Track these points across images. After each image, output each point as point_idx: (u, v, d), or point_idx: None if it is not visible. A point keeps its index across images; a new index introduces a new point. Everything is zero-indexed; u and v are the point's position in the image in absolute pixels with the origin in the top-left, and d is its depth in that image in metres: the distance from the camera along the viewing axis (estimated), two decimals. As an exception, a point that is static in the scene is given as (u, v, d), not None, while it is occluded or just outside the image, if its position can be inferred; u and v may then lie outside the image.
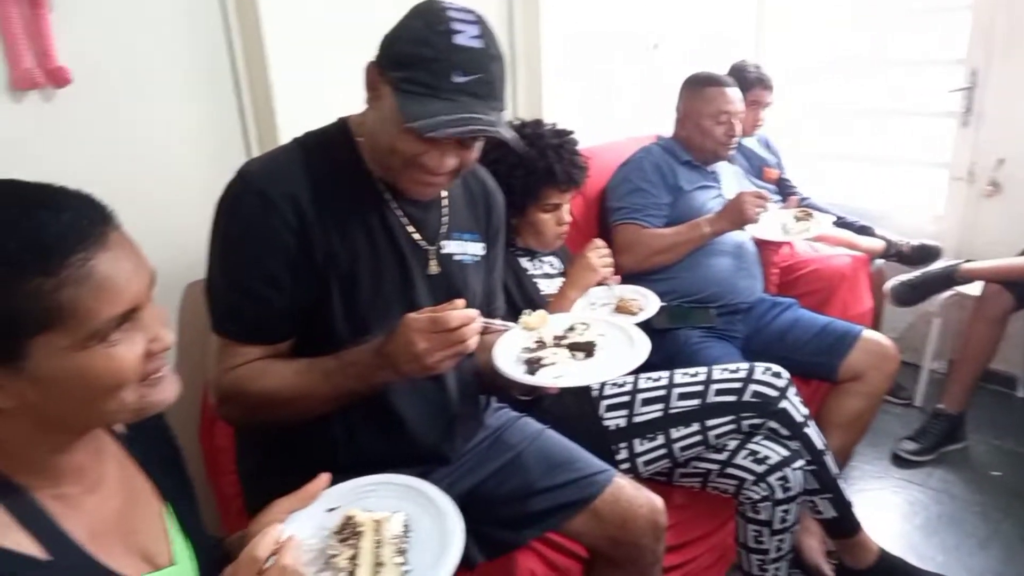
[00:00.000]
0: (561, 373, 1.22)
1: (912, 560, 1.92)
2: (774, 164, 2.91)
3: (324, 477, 0.92)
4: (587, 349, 1.28)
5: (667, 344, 2.07)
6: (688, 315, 2.12)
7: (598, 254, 1.79)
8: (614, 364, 1.25)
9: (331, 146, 1.16)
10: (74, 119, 1.36)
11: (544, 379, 1.20)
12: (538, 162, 1.68)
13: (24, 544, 0.68)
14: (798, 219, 2.27)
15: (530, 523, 1.30)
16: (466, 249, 1.29)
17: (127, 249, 0.73)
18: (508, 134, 1.08)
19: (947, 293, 2.59)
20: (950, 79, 2.84)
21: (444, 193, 1.27)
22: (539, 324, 1.28)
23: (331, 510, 0.92)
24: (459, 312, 1.02)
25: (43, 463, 0.74)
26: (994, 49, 2.72)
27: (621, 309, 1.79)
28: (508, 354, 1.24)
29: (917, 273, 2.56)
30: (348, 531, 0.90)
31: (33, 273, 0.66)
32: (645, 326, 1.99)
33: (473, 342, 1.04)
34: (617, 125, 2.61)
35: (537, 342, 1.28)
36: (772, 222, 2.24)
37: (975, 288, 2.51)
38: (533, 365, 1.22)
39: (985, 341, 2.47)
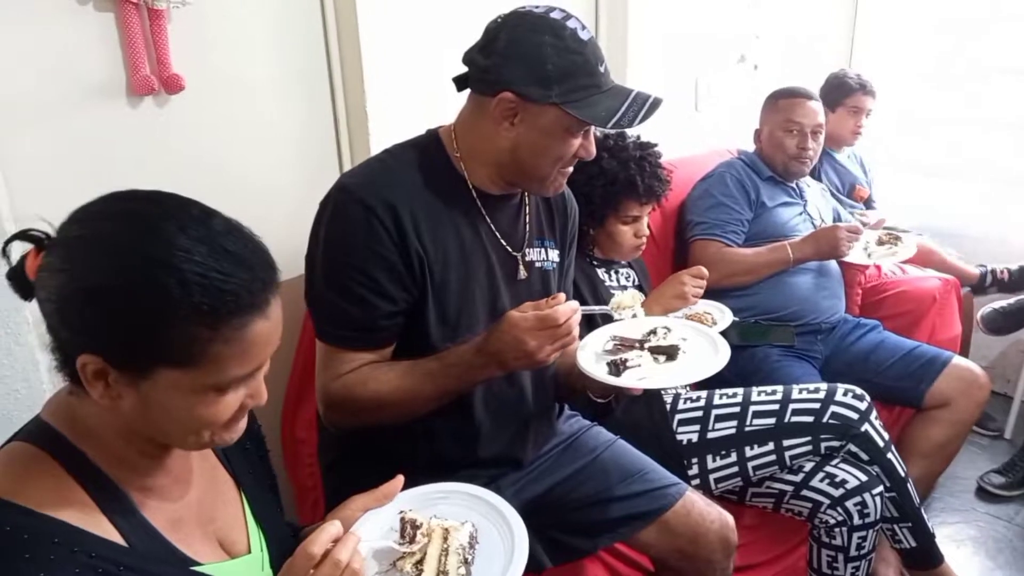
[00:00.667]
0: (645, 375, 1.22)
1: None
2: (865, 182, 2.83)
3: (400, 478, 0.95)
4: (670, 353, 1.28)
5: (744, 361, 2.03)
6: (766, 333, 2.08)
7: (695, 283, 1.76)
8: (697, 368, 1.24)
9: (426, 157, 1.20)
10: (184, 123, 1.45)
11: (629, 380, 1.21)
12: (620, 173, 1.68)
13: (106, 530, 0.72)
14: (881, 242, 2.19)
15: (601, 531, 1.31)
16: (546, 256, 1.32)
17: (275, 318, 0.74)
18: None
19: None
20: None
21: (527, 202, 1.30)
22: (632, 302, 1.31)
23: (402, 513, 0.94)
24: (565, 307, 1.06)
25: (131, 458, 0.77)
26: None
27: (693, 318, 1.77)
28: (592, 355, 1.25)
29: (1011, 300, 2.44)
30: (409, 534, 0.91)
31: (198, 318, 0.68)
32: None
33: (578, 332, 1.09)
34: (701, 138, 2.58)
35: (618, 345, 1.29)
36: (859, 244, 2.18)
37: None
38: (617, 366, 1.23)
39: None
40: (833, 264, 2.20)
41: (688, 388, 1.83)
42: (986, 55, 2.96)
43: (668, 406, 1.69)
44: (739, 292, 2.08)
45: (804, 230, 2.14)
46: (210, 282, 0.68)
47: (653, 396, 1.71)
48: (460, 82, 1.19)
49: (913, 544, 1.67)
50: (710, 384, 1.79)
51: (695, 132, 2.58)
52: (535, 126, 1.14)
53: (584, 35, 1.13)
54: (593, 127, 1.18)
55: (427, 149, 1.21)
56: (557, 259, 1.34)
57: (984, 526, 2.26)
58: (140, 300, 0.67)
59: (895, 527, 1.67)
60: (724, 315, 1.83)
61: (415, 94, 1.69)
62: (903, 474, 1.63)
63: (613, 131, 1.25)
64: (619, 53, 2.27)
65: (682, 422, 1.66)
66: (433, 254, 1.15)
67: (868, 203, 2.80)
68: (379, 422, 1.17)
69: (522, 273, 1.27)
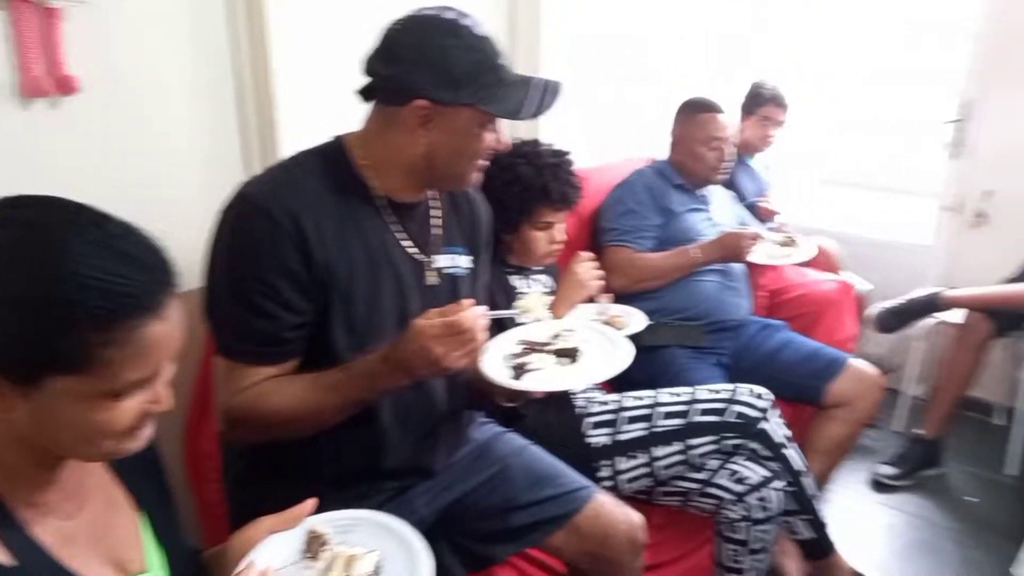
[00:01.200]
0: (547, 378, 1.25)
1: (885, 582, 1.96)
2: (765, 188, 2.97)
3: (310, 502, 0.94)
4: (572, 355, 1.31)
5: (654, 363, 2.10)
6: (675, 332, 2.15)
7: (585, 267, 1.81)
8: (599, 368, 1.28)
9: (330, 165, 1.19)
10: (79, 127, 1.38)
11: (531, 383, 1.23)
12: (534, 180, 1.71)
13: None
14: (782, 245, 2.31)
15: (511, 538, 1.33)
16: (457, 262, 1.33)
17: (174, 319, 0.73)
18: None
19: (930, 320, 2.64)
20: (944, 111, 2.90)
21: (436, 207, 1.31)
22: (536, 305, 1.33)
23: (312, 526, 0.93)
24: (471, 312, 1.06)
25: (21, 472, 0.74)
26: (989, 84, 2.77)
27: (606, 324, 1.82)
28: (495, 360, 1.26)
29: (901, 300, 2.60)
30: (314, 549, 0.91)
31: (93, 323, 0.66)
32: (632, 344, 2.07)
33: (484, 337, 1.10)
34: (615, 146, 2.64)
35: (524, 348, 1.31)
36: (758, 247, 2.29)
37: (957, 316, 2.56)
38: (519, 371, 1.25)
39: (965, 368, 2.52)
40: (739, 265, 2.30)
41: (602, 391, 1.88)
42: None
43: (580, 410, 1.73)
44: (649, 295, 2.15)
45: (709, 235, 2.23)
46: (108, 286, 0.66)
47: (565, 401, 1.75)
48: (365, 93, 1.19)
49: (810, 535, 1.77)
50: (621, 387, 1.86)
51: (609, 141, 2.64)
52: (450, 128, 1.15)
53: (480, 31, 1.15)
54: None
55: (331, 157, 1.20)
56: (469, 265, 1.35)
57: (877, 515, 2.41)
58: (34, 310, 0.65)
59: (793, 520, 1.76)
60: (636, 318, 1.88)
61: (328, 100, 1.66)
62: (801, 468, 1.71)
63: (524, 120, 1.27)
64: (532, 68, 2.30)
65: (594, 425, 1.70)
66: (338, 263, 1.14)
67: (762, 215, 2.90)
68: (283, 437, 1.15)
69: (432, 280, 1.27)
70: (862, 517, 2.40)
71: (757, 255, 2.26)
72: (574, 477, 1.40)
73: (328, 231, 1.13)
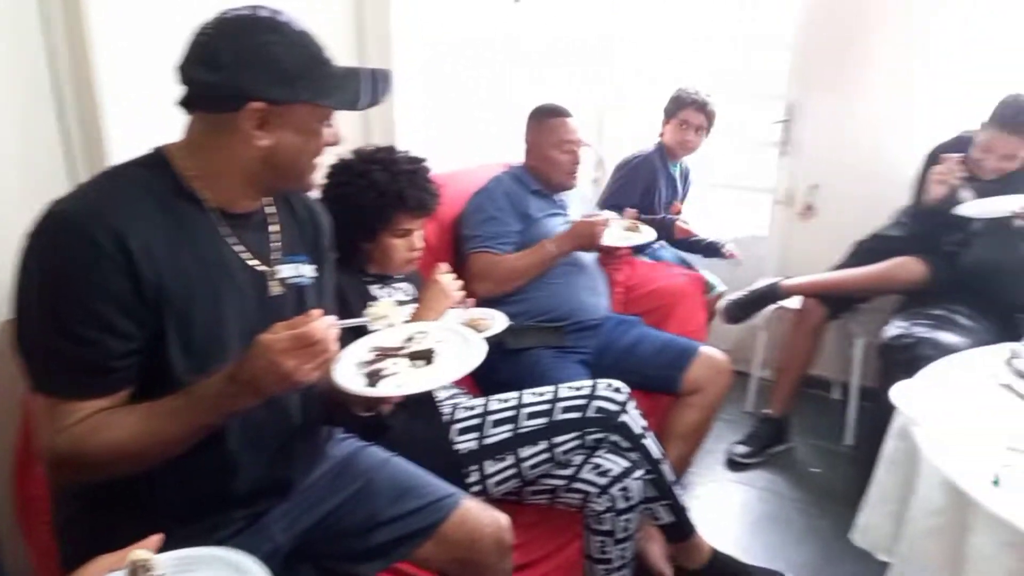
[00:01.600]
0: (403, 382, 1.23)
1: (741, 557, 2.09)
2: (681, 194, 3.10)
3: (155, 538, 0.88)
4: (426, 356, 1.29)
5: (520, 365, 2.13)
6: (539, 334, 2.20)
7: (445, 278, 1.81)
8: (454, 367, 1.27)
9: (154, 177, 1.11)
10: None
11: (386, 388, 1.20)
12: (390, 187, 1.70)
13: None
14: (627, 229, 2.43)
15: (379, 555, 1.31)
16: (301, 271, 1.28)
17: None
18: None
19: (771, 308, 2.84)
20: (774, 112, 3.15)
21: (273, 215, 1.26)
22: (386, 312, 1.31)
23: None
24: (320, 323, 1.02)
25: None
26: (809, 86, 3.03)
27: (471, 325, 1.83)
28: (347, 369, 1.22)
29: (744, 292, 2.79)
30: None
31: None
32: (498, 347, 2.09)
33: (336, 348, 1.06)
34: (470, 152, 2.66)
35: (377, 354, 1.28)
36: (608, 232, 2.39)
37: (795, 302, 2.78)
38: (373, 377, 1.22)
39: (804, 350, 2.74)
40: (595, 265, 2.38)
41: (468, 396, 1.89)
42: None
43: (447, 418, 1.73)
44: (512, 299, 2.18)
45: (568, 238, 2.29)
46: None
47: (432, 409, 1.74)
48: (187, 103, 1.12)
49: (671, 519, 1.85)
50: (488, 391, 1.87)
51: (465, 147, 2.66)
52: (290, 127, 1.11)
53: (299, 26, 1.12)
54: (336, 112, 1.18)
55: (154, 169, 1.12)
56: (313, 274, 1.30)
57: (732, 493, 2.56)
58: None
59: (654, 506, 1.84)
60: (498, 320, 1.90)
61: (163, 106, 1.56)
62: (659, 456, 1.79)
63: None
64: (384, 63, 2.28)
65: (461, 431, 1.70)
66: (172, 282, 1.07)
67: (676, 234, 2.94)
68: (119, 474, 1.06)
69: (275, 290, 1.22)
70: (719, 496, 2.55)
71: (608, 237, 2.34)
72: (439, 486, 1.40)
73: (157, 248, 1.06)
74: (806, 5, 2.97)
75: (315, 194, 1.42)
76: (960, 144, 2.48)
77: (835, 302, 2.70)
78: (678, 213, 3.03)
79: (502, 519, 1.42)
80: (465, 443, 1.68)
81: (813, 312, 2.70)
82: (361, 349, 1.27)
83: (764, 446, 2.74)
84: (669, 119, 2.93)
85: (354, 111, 1.15)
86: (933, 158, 2.50)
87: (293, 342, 1.00)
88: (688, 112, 2.88)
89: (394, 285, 1.87)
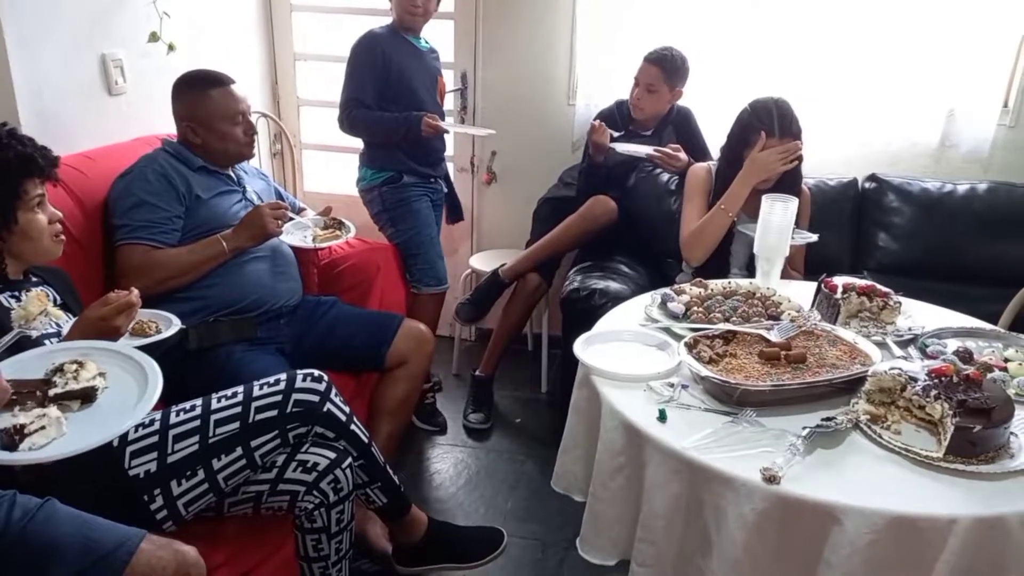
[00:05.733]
0: (50, 438, 1.01)
1: (459, 519, 2.15)
2: None
3: None
4: (85, 396, 1.07)
5: (210, 365, 1.93)
6: (227, 328, 2.00)
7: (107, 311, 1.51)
8: (122, 411, 1.07)
9: None
10: None
11: (28, 455, 0.97)
12: (6, 153, 1.45)
13: None
14: (327, 227, 2.28)
15: None
16: None
17: None
18: None
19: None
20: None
21: None
22: (41, 306, 1.11)
23: None
24: None
25: None
26: (477, 56, 3.13)
27: (135, 332, 1.60)
28: None
29: (470, 292, 2.85)
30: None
31: None
32: (178, 349, 1.86)
33: None
34: (121, 125, 2.31)
35: (12, 395, 1.03)
36: (302, 231, 2.23)
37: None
38: (12, 436, 0.98)
39: (519, 315, 2.88)
40: (286, 248, 2.22)
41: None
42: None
43: (116, 440, 1.48)
44: (187, 293, 1.95)
45: (247, 216, 2.09)
46: None
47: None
48: None
49: (385, 500, 1.82)
50: (166, 401, 1.65)
51: (113, 118, 2.30)
52: None
53: None
54: None
55: None
56: None
57: (447, 456, 2.62)
58: None
59: (368, 490, 1.79)
60: (171, 322, 1.68)
61: None
62: (366, 440, 1.74)
63: None
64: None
65: (135, 454, 1.47)
66: None
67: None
68: None
69: None
70: (432, 463, 2.59)
71: (297, 239, 2.20)
72: (103, 538, 1.18)
73: None
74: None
75: None
76: (619, 109, 2.83)
77: (545, 268, 2.86)
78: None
79: (187, 554, 1.25)
80: (142, 466, 1.46)
81: (531, 281, 2.82)
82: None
83: (488, 405, 2.85)
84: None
85: None
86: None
87: None
88: (642, 68, 2.74)
89: (30, 289, 1.55)
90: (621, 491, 1.39)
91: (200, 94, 2.06)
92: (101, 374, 1.12)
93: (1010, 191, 2.71)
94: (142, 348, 1.48)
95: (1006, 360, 1.55)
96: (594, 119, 2.80)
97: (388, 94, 2.57)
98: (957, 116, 2.82)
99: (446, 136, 2.79)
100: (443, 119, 2.69)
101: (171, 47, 2.40)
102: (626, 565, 1.42)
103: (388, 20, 2.64)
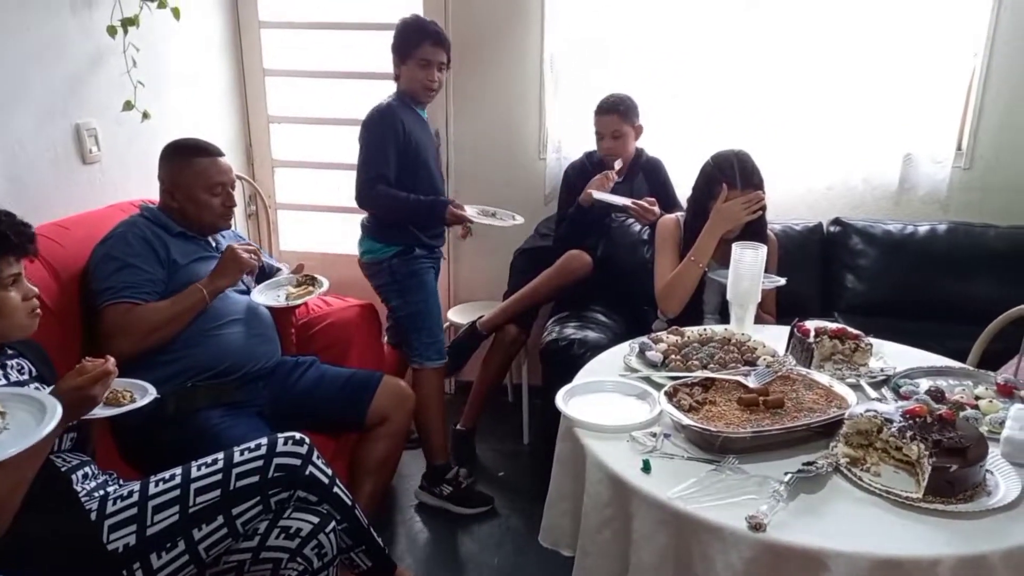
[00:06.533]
0: None
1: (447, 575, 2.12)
2: None
3: None
4: None
5: (188, 431, 1.91)
6: (205, 393, 1.98)
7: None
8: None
9: None
10: None
11: None
12: None
13: None
14: (299, 284, 2.28)
15: None
16: None
17: None
18: None
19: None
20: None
21: None
22: None
23: None
24: None
25: None
26: (449, 112, 3.18)
27: (109, 401, 1.57)
28: None
29: (450, 344, 2.82)
30: None
31: None
32: (156, 416, 1.84)
33: None
34: (95, 193, 2.32)
35: None
36: (275, 291, 2.23)
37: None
38: None
39: (498, 366, 2.89)
40: (263, 310, 2.21)
41: (117, 482, 1.62)
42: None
43: (93, 513, 1.46)
44: (165, 357, 1.93)
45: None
46: None
47: (71, 504, 1.45)
48: None
49: (369, 564, 1.79)
50: (147, 471, 1.63)
51: (87, 186, 2.30)
52: None
53: None
54: None
55: None
56: None
57: (429, 513, 2.58)
58: None
59: (352, 554, 1.76)
60: (146, 391, 1.66)
61: None
62: (350, 503, 1.72)
63: None
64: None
65: (114, 527, 1.44)
66: None
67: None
68: None
69: None
70: (417, 521, 2.56)
71: (271, 299, 2.19)
72: None
73: None
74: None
75: None
76: (589, 160, 2.92)
77: (522, 318, 2.88)
78: None
79: None
80: (121, 539, 1.43)
81: (509, 332, 2.84)
82: None
83: (466, 459, 2.83)
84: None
85: None
86: (569, 174, 2.91)
87: None
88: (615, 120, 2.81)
89: (5, 363, 1.53)
90: (609, 544, 1.39)
91: (184, 161, 2.08)
92: (1, 413, 1.14)
93: (968, 230, 2.80)
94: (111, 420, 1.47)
95: (976, 398, 1.59)
96: (566, 169, 2.87)
97: (407, 168, 2.50)
98: (914, 160, 2.93)
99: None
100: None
101: (145, 115, 2.43)
102: (617, 620, 1.40)
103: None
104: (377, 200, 2.47)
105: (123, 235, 1.98)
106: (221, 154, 2.14)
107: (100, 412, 1.50)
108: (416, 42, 2.47)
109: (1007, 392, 1.62)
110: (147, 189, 2.27)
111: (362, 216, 2.64)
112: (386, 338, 2.91)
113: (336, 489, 1.69)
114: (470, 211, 2.56)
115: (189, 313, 1.97)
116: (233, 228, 2.40)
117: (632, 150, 2.87)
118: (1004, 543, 1.15)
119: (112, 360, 1.48)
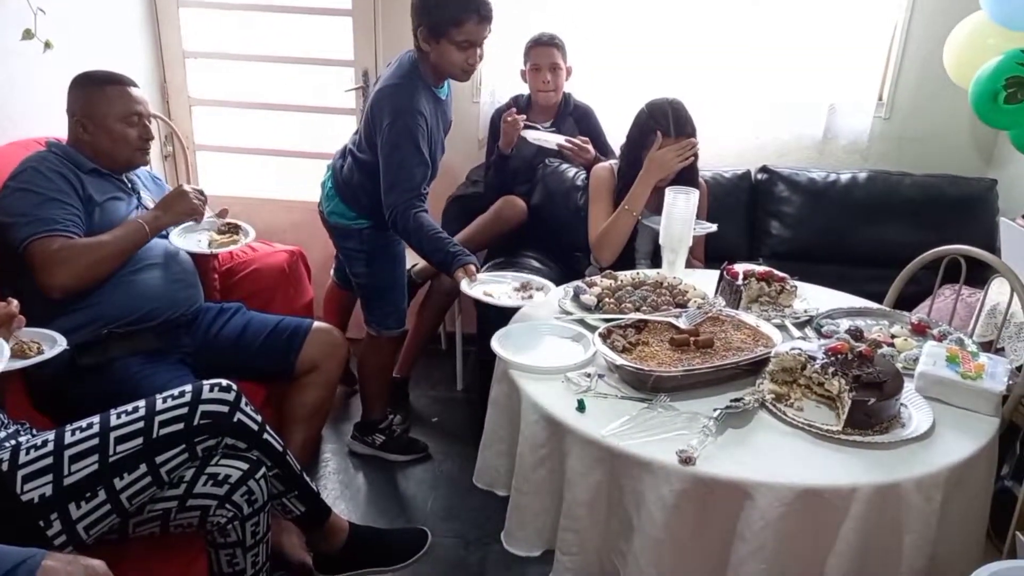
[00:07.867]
0: None
1: (380, 524, 2.11)
2: None
3: None
4: None
5: (107, 380, 1.83)
6: (123, 341, 1.89)
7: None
8: None
9: None
10: None
11: None
12: None
13: None
14: (222, 232, 2.17)
15: None
16: None
17: None
18: None
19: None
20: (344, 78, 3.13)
21: None
22: None
23: None
24: None
25: None
26: (378, 54, 3.07)
27: (15, 353, 1.49)
28: None
29: None
30: None
31: None
32: (70, 366, 1.75)
33: None
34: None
35: None
36: (196, 235, 2.13)
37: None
38: None
39: (435, 314, 2.86)
40: (183, 254, 2.11)
41: (30, 431, 1.55)
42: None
43: (5, 464, 1.38)
44: (79, 304, 1.83)
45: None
46: None
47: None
48: None
49: (302, 509, 1.77)
50: (60, 420, 1.55)
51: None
52: None
53: None
54: None
55: None
56: None
57: (364, 460, 2.57)
58: None
59: (284, 500, 1.74)
60: (55, 341, 1.57)
61: None
62: (281, 449, 1.69)
63: None
64: None
65: (28, 477, 1.37)
66: None
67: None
68: None
69: None
70: (350, 468, 2.54)
71: (196, 245, 2.09)
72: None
73: None
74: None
75: None
76: (516, 104, 2.87)
77: None
78: None
79: (98, 569, 1.18)
80: (36, 490, 1.36)
81: (444, 281, 2.77)
82: None
83: (404, 407, 2.83)
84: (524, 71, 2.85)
85: None
86: (496, 119, 2.84)
87: None
88: (535, 52, 2.79)
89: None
90: (544, 482, 1.41)
91: (96, 90, 1.94)
92: None
93: (887, 179, 2.91)
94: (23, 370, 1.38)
95: (892, 336, 1.66)
96: (492, 115, 2.82)
97: None
98: (838, 110, 3.00)
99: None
100: None
101: (48, 45, 2.24)
102: (550, 555, 1.43)
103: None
104: (408, 228, 2.09)
105: (36, 170, 1.84)
106: (136, 85, 2.01)
107: (3, 365, 1.40)
108: (456, 18, 2.04)
109: (921, 331, 1.70)
110: (52, 126, 2.11)
111: (304, 161, 2.53)
112: (333, 275, 2.86)
113: (266, 435, 1.65)
114: (473, 292, 1.95)
115: (132, 246, 1.89)
116: (149, 171, 2.27)
117: (562, 91, 2.85)
118: (916, 471, 1.22)
119: (16, 303, 1.39)
